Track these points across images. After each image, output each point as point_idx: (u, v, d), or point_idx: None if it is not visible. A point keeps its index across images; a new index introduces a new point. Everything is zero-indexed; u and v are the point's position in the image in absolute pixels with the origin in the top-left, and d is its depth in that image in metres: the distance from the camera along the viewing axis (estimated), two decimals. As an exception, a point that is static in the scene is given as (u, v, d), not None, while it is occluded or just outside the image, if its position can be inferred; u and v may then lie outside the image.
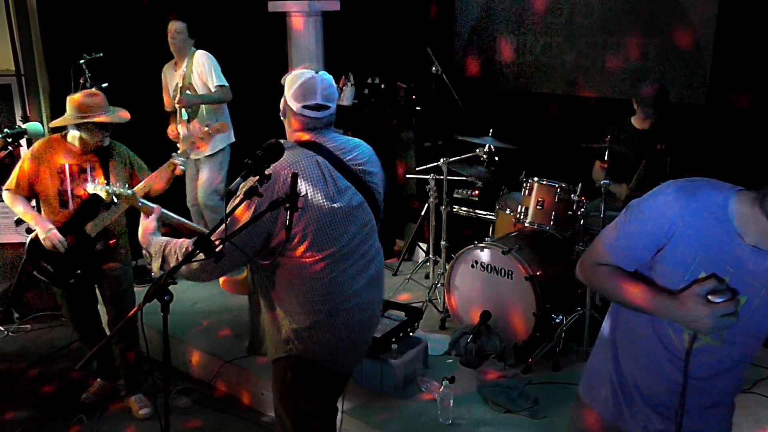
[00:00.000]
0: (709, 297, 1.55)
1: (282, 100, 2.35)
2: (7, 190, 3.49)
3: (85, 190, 2.93)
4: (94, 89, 3.44)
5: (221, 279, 2.53)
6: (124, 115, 3.45)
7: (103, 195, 2.88)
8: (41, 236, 3.39)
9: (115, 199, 2.80)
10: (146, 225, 2.41)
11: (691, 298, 1.57)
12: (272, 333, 2.36)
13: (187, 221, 2.68)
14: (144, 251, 2.35)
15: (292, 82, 2.30)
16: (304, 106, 2.28)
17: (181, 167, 3.40)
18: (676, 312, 1.60)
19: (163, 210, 2.50)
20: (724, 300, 1.54)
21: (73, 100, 3.37)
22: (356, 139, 2.45)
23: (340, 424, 2.60)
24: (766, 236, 1.54)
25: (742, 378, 1.87)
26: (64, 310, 3.82)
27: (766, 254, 1.57)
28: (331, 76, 2.36)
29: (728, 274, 1.59)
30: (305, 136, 2.31)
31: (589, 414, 1.96)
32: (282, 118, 2.39)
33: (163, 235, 2.41)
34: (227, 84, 4.77)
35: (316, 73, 2.32)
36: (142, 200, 2.60)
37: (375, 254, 2.42)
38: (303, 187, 2.17)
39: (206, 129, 3.55)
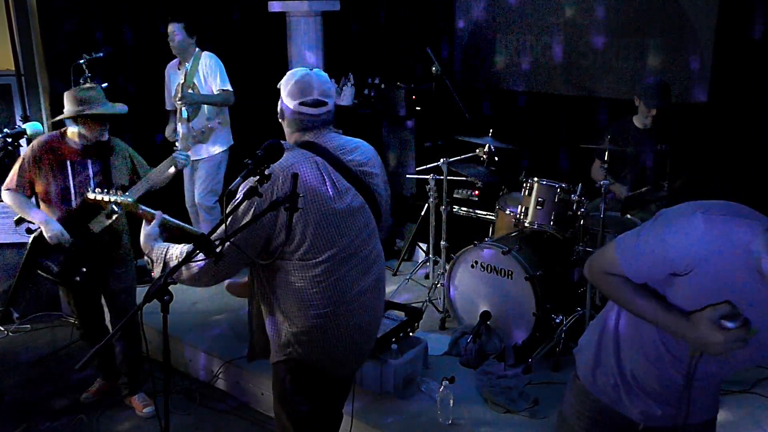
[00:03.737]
0: (721, 321, 1.56)
1: (279, 102, 2.32)
2: (7, 189, 3.49)
3: (86, 195, 2.93)
4: (90, 83, 3.45)
5: (226, 282, 2.51)
6: (121, 107, 3.45)
7: (104, 203, 2.88)
8: (46, 234, 3.37)
9: (115, 207, 2.80)
10: (148, 231, 2.39)
11: (703, 321, 1.58)
12: (272, 336, 2.34)
13: (189, 227, 2.67)
14: (146, 257, 2.34)
15: (287, 81, 2.28)
16: (301, 103, 2.25)
17: (183, 162, 3.40)
18: (688, 333, 1.62)
19: (165, 216, 2.48)
20: (736, 326, 1.55)
21: (69, 94, 3.39)
22: (357, 139, 2.41)
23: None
24: None
25: None
26: (72, 306, 3.81)
27: None
28: (325, 74, 2.33)
29: (743, 307, 1.59)
30: (304, 137, 2.28)
31: (587, 395, 1.98)
32: (280, 120, 2.36)
33: (165, 240, 2.38)
34: (231, 88, 4.78)
35: (311, 70, 2.29)
36: (143, 207, 2.60)
37: (376, 257, 2.39)
38: (302, 188, 2.13)
39: (207, 124, 3.57)
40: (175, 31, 4.71)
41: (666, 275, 1.67)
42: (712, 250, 1.57)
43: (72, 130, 3.45)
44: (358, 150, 2.36)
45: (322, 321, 2.24)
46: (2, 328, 4.77)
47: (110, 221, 3.37)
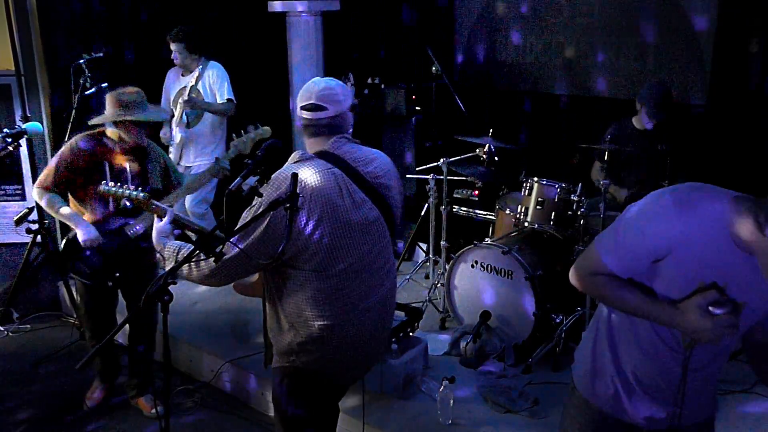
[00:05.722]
0: (710, 308, 1.56)
1: None
2: (40, 188, 3.39)
3: (98, 188, 2.87)
4: (130, 88, 3.38)
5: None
6: (163, 113, 3.42)
7: (117, 196, 2.84)
8: (80, 237, 3.31)
9: (127, 203, 2.76)
10: (160, 227, 2.38)
11: (692, 309, 1.59)
12: (275, 342, 2.34)
13: (200, 225, 2.65)
14: (158, 255, 2.34)
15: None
16: (301, 107, 2.29)
17: (226, 172, 3.39)
18: (678, 322, 1.63)
19: (177, 213, 2.47)
20: (725, 312, 1.55)
21: (112, 97, 3.31)
22: (374, 150, 2.41)
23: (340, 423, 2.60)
24: (757, 247, 1.55)
25: None
26: (81, 309, 3.76)
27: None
28: (336, 81, 2.34)
29: (726, 281, 1.61)
30: (323, 146, 2.29)
31: (588, 406, 1.97)
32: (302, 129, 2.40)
33: (177, 239, 2.37)
34: (235, 99, 4.80)
35: (321, 78, 2.34)
36: (155, 203, 2.56)
37: (388, 271, 2.39)
38: (320, 199, 2.15)
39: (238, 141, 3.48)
40: (177, 50, 4.74)
41: (650, 264, 1.69)
42: (687, 228, 1.59)
43: (111, 131, 3.38)
44: (376, 162, 2.36)
45: (329, 333, 2.23)
46: (2, 328, 4.76)
47: (150, 221, 3.34)
